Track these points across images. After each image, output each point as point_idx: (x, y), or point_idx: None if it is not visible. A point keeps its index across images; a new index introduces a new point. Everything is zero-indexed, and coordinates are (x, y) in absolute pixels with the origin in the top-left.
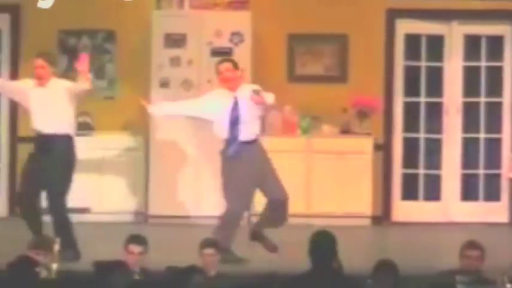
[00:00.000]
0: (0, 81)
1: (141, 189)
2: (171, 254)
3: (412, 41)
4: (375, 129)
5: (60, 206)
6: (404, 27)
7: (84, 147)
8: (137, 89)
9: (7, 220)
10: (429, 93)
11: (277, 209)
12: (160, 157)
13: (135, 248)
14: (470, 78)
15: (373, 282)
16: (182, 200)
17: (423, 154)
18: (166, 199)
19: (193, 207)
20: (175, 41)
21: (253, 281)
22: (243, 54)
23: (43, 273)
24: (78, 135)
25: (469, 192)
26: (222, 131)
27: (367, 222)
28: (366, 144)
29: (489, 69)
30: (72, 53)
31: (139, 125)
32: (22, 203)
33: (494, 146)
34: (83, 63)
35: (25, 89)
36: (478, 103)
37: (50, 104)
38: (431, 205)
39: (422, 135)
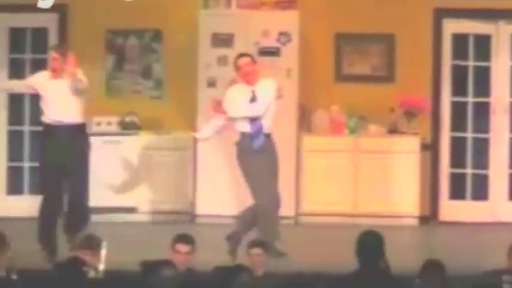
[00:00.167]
0: (8, 84)
1: (189, 189)
2: (218, 254)
3: (460, 40)
4: (423, 128)
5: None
6: (452, 26)
7: (131, 147)
8: (184, 88)
9: None
10: (476, 93)
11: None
12: (207, 157)
13: (182, 248)
14: None
15: (421, 282)
16: (229, 199)
17: (470, 154)
18: (214, 198)
19: (240, 206)
20: (222, 40)
21: (299, 280)
22: (290, 54)
23: (91, 273)
24: (125, 134)
25: None
26: (245, 125)
27: (414, 222)
28: (413, 144)
29: None
30: (119, 53)
31: (187, 125)
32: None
33: None
34: (71, 65)
35: (38, 83)
36: None
37: (62, 96)
38: (479, 205)
39: (469, 134)
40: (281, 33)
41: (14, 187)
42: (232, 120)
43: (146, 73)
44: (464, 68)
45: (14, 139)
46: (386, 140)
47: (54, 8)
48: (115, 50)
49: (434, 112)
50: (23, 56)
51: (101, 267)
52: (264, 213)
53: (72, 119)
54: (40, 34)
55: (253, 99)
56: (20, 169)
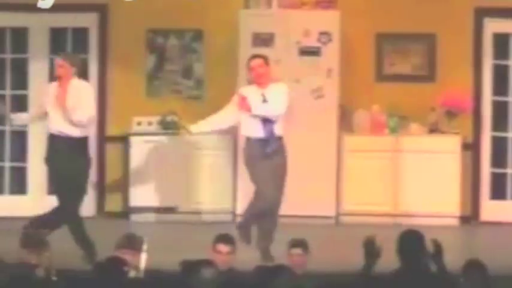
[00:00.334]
0: (27, 116)
1: (229, 188)
2: (259, 254)
3: (501, 40)
4: (463, 128)
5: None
6: (493, 26)
7: (172, 147)
8: (224, 88)
9: (95, 220)
10: None
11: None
12: None
13: (223, 248)
14: None
15: (463, 282)
16: None
17: None
18: None
19: (281, 206)
20: (263, 40)
21: (340, 280)
22: (331, 53)
23: (131, 273)
24: (165, 134)
25: None
26: (257, 130)
27: (455, 221)
28: (454, 144)
29: None
30: (160, 53)
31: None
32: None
33: None
34: (60, 97)
35: (47, 95)
36: None
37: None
38: None
39: (511, 134)
40: (322, 33)
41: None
42: (243, 121)
43: (186, 73)
44: (506, 68)
45: None
46: (427, 140)
47: (94, 8)
48: (155, 50)
49: (475, 111)
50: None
51: (142, 267)
52: (264, 215)
53: (73, 132)
54: (81, 34)
55: (264, 102)
56: None
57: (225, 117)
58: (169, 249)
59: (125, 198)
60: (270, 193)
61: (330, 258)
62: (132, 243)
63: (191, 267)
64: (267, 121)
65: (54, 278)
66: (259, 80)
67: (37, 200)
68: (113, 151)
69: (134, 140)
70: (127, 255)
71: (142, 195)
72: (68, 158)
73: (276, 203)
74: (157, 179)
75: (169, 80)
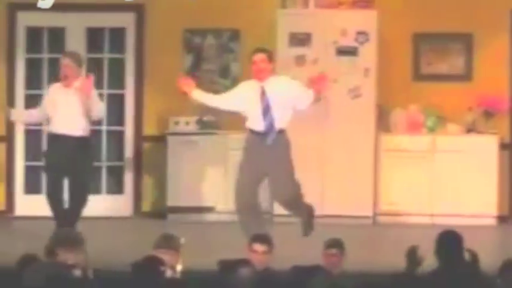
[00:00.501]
0: (27, 114)
1: (266, 188)
2: (295, 253)
3: None
4: (501, 128)
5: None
6: None
7: (209, 146)
8: None
9: (132, 219)
10: None
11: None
12: None
13: (259, 247)
14: None
15: (501, 281)
16: (307, 198)
17: None
18: None
19: (318, 206)
20: (300, 40)
21: (377, 279)
22: (368, 53)
23: (168, 273)
24: (203, 134)
25: None
26: (257, 123)
27: (492, 221)
28: (492, 143)
29: None
30: (197, 52)
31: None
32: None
33: None
34: (87, 86)
35: (50, 97)
36: None
37: (70, 105)
38: None
39: None
40: (359, 33)
41: None
42: (248, 113)
43: (223, 72)
44: None
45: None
46: (464, 140)
47: (131, 8)
48: (193, 50)
49: None
50: (101, 55)
51: (179, 266)
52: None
53: (77, 132)
54: (117, 34)
55: (262, 94)
56: None
57: (226, 99)
58: (206, 248)
59: (163, 198)
60: (239, 191)
61: (366, 258)
62: (170, 243)
63: (228, 266)
64: (267, 113)
65: (91, 278)
66: (258, 74)
67: None
68: (150, 151)
69: (171, 140)
70: (164, 255)
71: (179, 195)
72: (73, 159)
73: (249, 205)
74: (194, 179)
75: (206, 80)
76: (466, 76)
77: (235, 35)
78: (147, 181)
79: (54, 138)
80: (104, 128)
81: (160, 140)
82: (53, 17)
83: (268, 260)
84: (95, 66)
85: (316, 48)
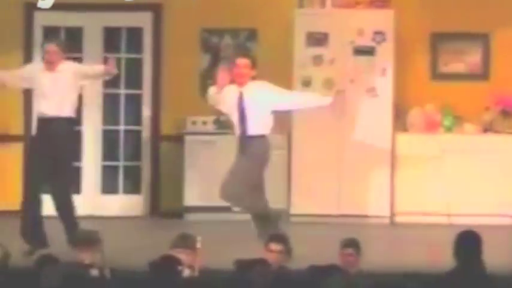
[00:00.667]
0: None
1: (283, 188)
2: (312, 253)
3: None
4: None
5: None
6: None
7: (226, 146)
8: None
9: (148, 219)
10: None
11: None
12: (302, 155)
13: (275, 247)
14: None
15: None
16: (324, 198)
17: None
18: (308, 197)
19: (334, 206)
20: (317, 39)
21: (394, 279)
22: (385, 53)
23: (185, 272)
24: (220, 134)
25: None
26: (236, 127)
27: (510, 221)
28: (509, 143)
29: None
30: (214, 52)
31: (281, 123)
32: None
33: None
34: (112, 66)
35: (32, 73)
36: None
37: (57, 88)
38: None
39: None
40: (376, 32)
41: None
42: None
43: None
44: None
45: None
46: (481, 139)
47: (149, 8)
48: (210, 49)
49: None
50: (118, 55)
51: (196, 266)
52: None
53: (65, 113)
54: (135, 34)
55: (240, 99)
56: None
57: (214, 97)
58: (223, 248)
59: (180, 198)
60: (224, 186)
61: (383, 258)
62: (187, 242)
63: (245, 266)
64: (242, 118)
65: (108, 277)
66: (239, 79)
67: (90, 199)
68: (167, 150)
69: (189, 140)
70: (181, 255)
71: (196, 194)
72: (66, 140)
73: (233, 198)
74: (211, 179)
75: None
76: (483, 76)
77: (252, 34)
78: (164, 181)
79: (45, 121)
80: (121, 127)
81: (177, 139)
82: (70, 16)
83: (283, 259)
84: None
85: (333, 48)
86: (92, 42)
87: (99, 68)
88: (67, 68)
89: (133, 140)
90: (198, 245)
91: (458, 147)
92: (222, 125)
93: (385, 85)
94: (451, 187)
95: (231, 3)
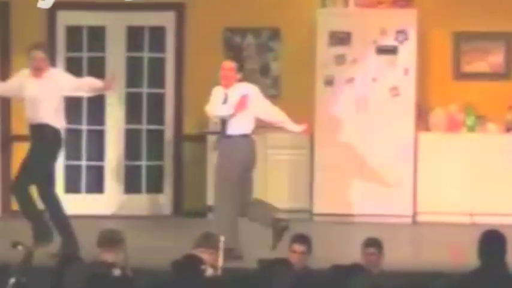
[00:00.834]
0: None
1: (306, 187)
2: (335, 253)
3: None
4: None
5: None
6: None
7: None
8: (301, 86)
9: (171, 218)
10: None
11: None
12: (324, 155)
13: (298, 248)
14: None
15: None
16: (346, 198)
17: None
18: (331, 197)
19: (357, 205)
20: (340, 39)
21: (418, 279)
22: (407, 52)
23: (208, 271)
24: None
25: None
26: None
27: None
28: None
29: None
30: (237, 51)
31: (304, 123)
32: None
33: None
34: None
35: (19, 82)
36: None
37: (44, 95)
38: None
39: None
40: (399, 32)
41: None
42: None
43: (264, 71)
44: None
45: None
46: (504, 138)
47: (171, 7)
48: (233, 49)
49: None
50: (141, 54)
51: (219, 265)
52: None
53: (50, 120)
54: (157, 33)
55: (224, 101)
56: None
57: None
58: (246, 247)
59: (203, 197)
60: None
61: (406, 257)
62: (210, 242)
63: (268, 265)
64: (224, 120)
65: (130, 276)
66: (224, 81)
67: (113, 199)
68: (190, 150)
69: (211, 139)
70: (204, 254)
71: None
72: (39, 144)
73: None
74: None
75: (246, 79)
76: (506, 75)
77: (275, 34)
78: (187, 180)
79: (32, 127)
80: (144, 127)
81: (200, 139)
82: (93, 16)
83: (306, 260)
84: (134, 65)
85: (355, 47)
86: (115, 41)
87: (97, 83)
88: (54, 75)
89: (156, 139)
90: (221, 245)
91: (481, 146)
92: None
93: (408, 84)
94: (474, 186)
95: (253, 2)
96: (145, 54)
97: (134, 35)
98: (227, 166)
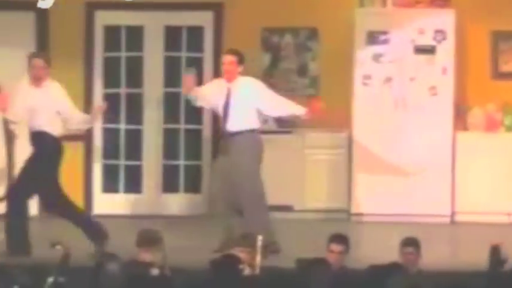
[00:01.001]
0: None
1: (344, 187)
2: (373, 252)
3: None
4: None
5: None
6: None
7: (286, 145)
8: (339, 86)
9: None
10: None
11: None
12: (363, 154)
13: (336, 247)
14: None
15: None
16: (384, 197)
17: None
18: (369, 196)
19: (395, 204)
20: (377, 38)
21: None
22: (446, 51)
23: (246, 270)
24: (280, 132)
25: None
26: (222, 122)
27: None
28: None
29: None
30: (275, 51)
31: (343, 122)
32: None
33: None
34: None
35: (26, 101)
36: None
37: (43, 104)
38: None
39: None
40: (437, 31)
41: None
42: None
43: (302, 71)
44: None
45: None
46: None
47: (210, 7)
48: (271, 49)
49: None
50: (179, 54)
51: (257, 264)
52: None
53: (51, 129)
54: (196, 33)
55: (227, 96)
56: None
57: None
58: (284, 247)
59: None
60: (212, 191)
61: (444, 257)
62: (248, 241)
63: (306, 265)
64: (226, 114)
65: (169, 276)
66: (225, 75)
67: (152, 199)
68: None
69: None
70: (242, 253)
71: None
72: (38, 152)
73: (224, 202)
74: (272, 178)
75: (284, 78)
76: None
77: (313, 33)
78: None
79: (33, 135)
80: (182, 126)
81: None
82: (131, 15)
83: (344, 260)
84: (172, 65)
85: (393, 46)
86: (153, 41)
87: (84, 117)
88: (53, 87)
89: (194, 138)
90: (259, 244)
91: None
92: (282, 123)
93: (446, 84)
94: None
95: (292, 2)
96: (183, 54)
97: (172, 35)
98: (247, 161)
